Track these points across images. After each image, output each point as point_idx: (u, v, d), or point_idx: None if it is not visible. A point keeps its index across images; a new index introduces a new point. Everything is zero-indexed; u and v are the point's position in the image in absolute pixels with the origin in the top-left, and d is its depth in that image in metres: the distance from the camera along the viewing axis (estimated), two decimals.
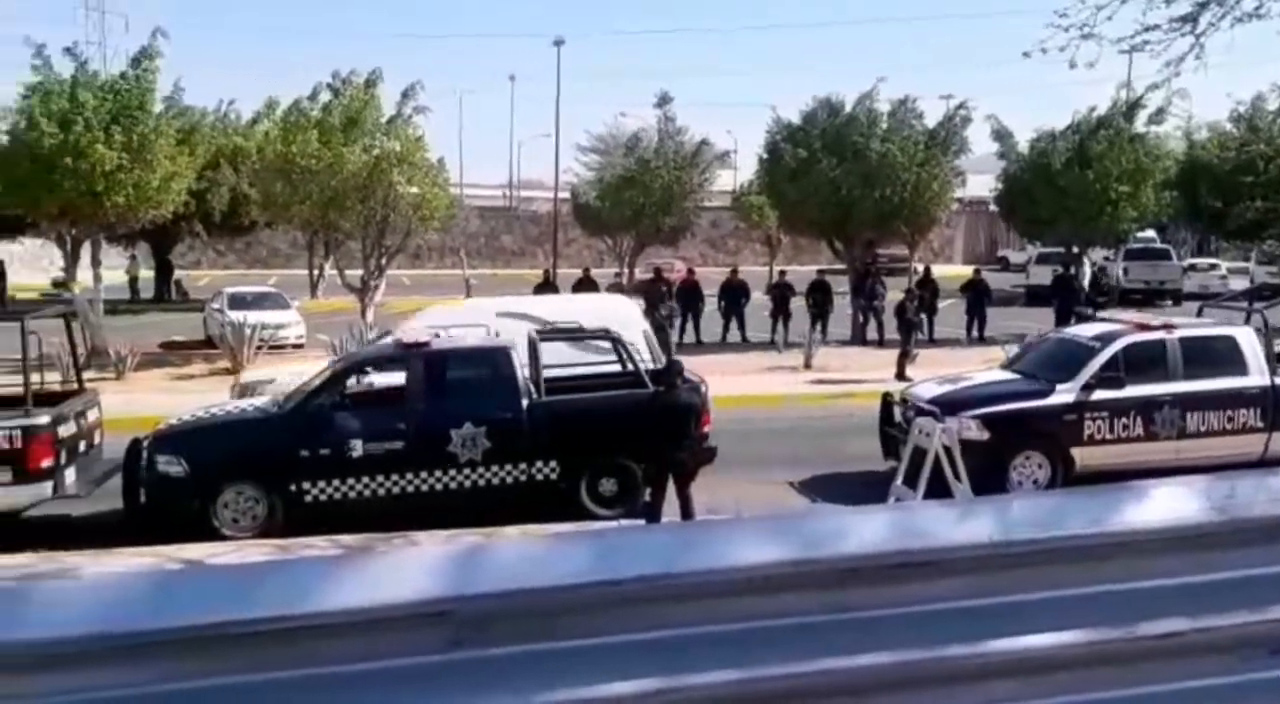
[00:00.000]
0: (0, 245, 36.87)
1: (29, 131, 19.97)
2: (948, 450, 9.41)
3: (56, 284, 31.14)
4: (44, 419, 10.07)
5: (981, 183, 35.09)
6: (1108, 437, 10.95)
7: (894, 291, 24.64)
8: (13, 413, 10.21)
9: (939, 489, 9.28)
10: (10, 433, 9.85)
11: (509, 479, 10.58)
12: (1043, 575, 2.47)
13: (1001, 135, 28.90)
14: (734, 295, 25.50)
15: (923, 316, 22.89)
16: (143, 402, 15.50)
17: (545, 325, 12.31)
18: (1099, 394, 11.00)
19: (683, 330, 24.18)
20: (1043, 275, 31.32)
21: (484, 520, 9.68)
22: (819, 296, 24.70)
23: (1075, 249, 28.96)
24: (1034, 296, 31.06)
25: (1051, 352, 12.42)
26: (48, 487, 10.06)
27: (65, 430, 10.32)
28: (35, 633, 2.05)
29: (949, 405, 11.02)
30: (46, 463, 9.96)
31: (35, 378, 10.90)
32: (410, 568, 2.18)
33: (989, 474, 10.10)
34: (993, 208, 40.26)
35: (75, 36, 45.28)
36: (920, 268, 27.57)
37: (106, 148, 19.73)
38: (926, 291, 24.23)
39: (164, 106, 21.80)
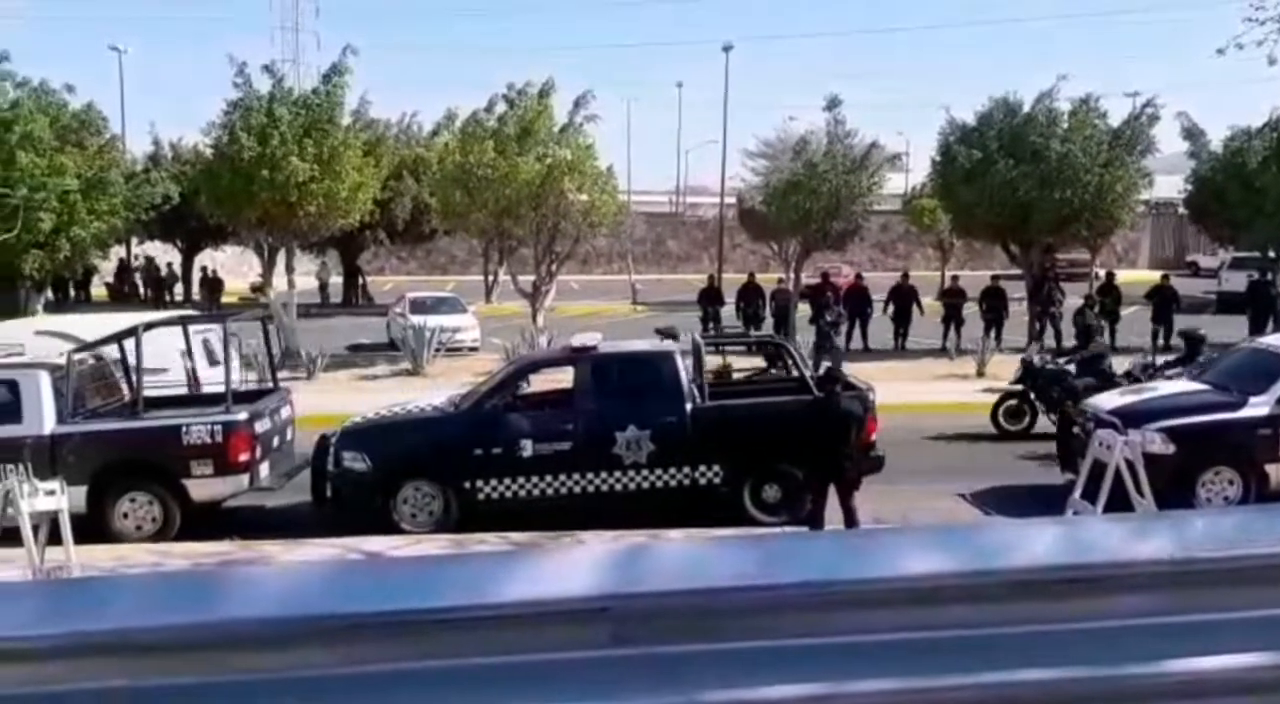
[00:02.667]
0: (205, 253, 39.49)
1: (230, 145, 21.34)
2: (1130, 464, 8.98)
3: (254, 289, 33.12)
4: (243, 416, 10.76)
5: (1170, 184, 33.31)
6: None
7: (1073, 297, 23.67)
8: (215, 410, 10.94)
9: (1120, 505, 8.87)
10: (212, 428, 10.56)
11: (672, 483, 10.68)
12: (1227, 595, 2.35)
13: (1192, 134, 27.38)
14: (903, 301, 25.01)
15: (1104, 324, 21.92)
16: (331, 400, 16.30)
17: (80, 344, 11.45)
18: None
19: (850, 336, 23.85)
20: (1236, 281, 29.54)
21: (649, 523, 9.80)
22: (993, 302, 23.95)
23: (1272, 254, 27.14)
24: (1226, 304, 29.32)
25: (1245, 362, 11.70)
26: (245, 479, 10.74)
27: (261, 426, 10.99)
28: (230, 614, 2.19)
29: (1132, 417, 10.53)
30: (244, 457, 10.63)
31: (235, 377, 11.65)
32: (573, 564, 2.26)
33: (1175, 490, 9.60)
34: (1182, 210, 38.19)
35: (271, 54, 48.07)
36: (1102, 273, 26.39)
37: (299, 160, 20.89)
38: (1108, 298, 23.20)
39: (352, 119, 22.92)
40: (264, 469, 10.94)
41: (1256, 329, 21.10)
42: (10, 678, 2.18)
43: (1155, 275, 28.07)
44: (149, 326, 11.27)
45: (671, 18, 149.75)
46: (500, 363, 17.14)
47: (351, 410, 12.83)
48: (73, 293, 38.62)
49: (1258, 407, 10.43)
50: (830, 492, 9.60)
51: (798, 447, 10.18)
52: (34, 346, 11.67)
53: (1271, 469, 10.28)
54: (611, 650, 2.15)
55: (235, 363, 12.66)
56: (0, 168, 17.54)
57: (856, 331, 24.35)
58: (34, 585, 4.71)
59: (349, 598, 2.22)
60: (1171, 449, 10.20)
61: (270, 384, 12.79)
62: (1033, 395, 14.60)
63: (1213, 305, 31.31)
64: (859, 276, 27.41)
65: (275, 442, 11.42)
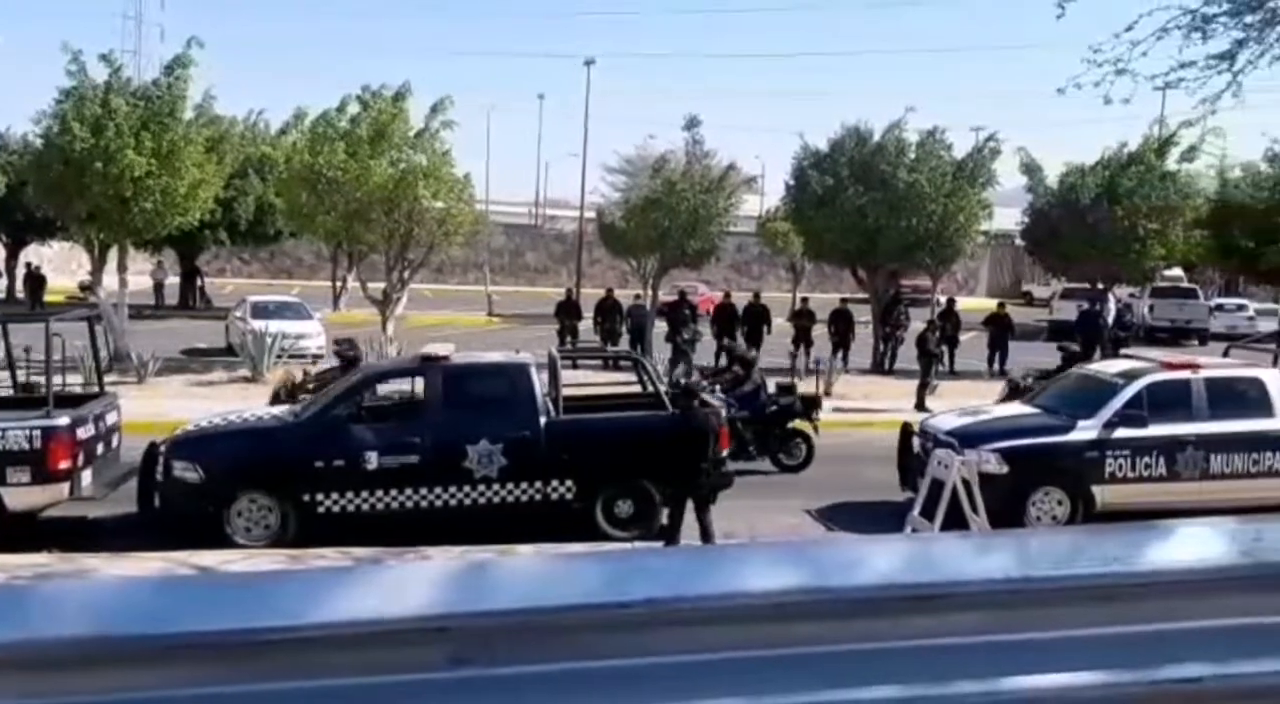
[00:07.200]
0: (31, 248, 37.29)
1: (62, 135, 20.20)
2: (966, 483, 9.33)
3: (83, 288, 31.46)
4: (64, 421, 10.15)
5: (1009, 216, 34.97)
6: (1129, 475, 10.84)
7: (916, 322, 24.56)
8: (34, 414, 10.29)
9: (956, 522, 9.20)
10: (30, 433, 9.93)
11: (524, 497, 10.56)
12: (1060, 614, 2.40)
13: (1030, 169, 28.81)
14: (755, 321, 25.48)
15: (944, 348, 22.80)
16: (162, 407, 15.59)
17: None
18: (1121, 432, 10.90)
19: (719, 354, 24.26)
20: (1067, 311, 31.20)
21: (499, 538, 9.66)
22: (840, 325, 24.64)
23: (1101, 285, 28.77)
24: (1057, 332, 30.90)
25: (1073, 387, 12.32)
26: (65, 488, 10.13)
27: (84, 432, 10.40)
28: (40, 633, 2.02)
29: (968, 438, 10.94)
30: (64, 464, 10.03)
31: (57, 380, 10.98)
32: (412, 582, 2.15)
33: (1007, 509, 10.00)
34: (1019, 242, 40.12)
35: (112, 44, 45.92)
36: (943, 299, 27.47)
37: (136, 154, 19.91)
38: (948, 323, 24.16)
39: (194, 114, 21.97)
40: (86, 477, 10.34)
41: (1085, 357, 22.25)
42: None
43: (992, 303, 29.38)
44: None
45: (535, 29, 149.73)
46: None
47: (184, 417, 12.31)
48: None
49: (1085, 430, 10.98)
50: (688, 507, 9.64)
51: (652, 461, 10.20)
52: None
53: (1097, 490, 10.82)
54: (450, 673, 2.05)
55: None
56: None
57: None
58: None
59: (167, 617, 2.06)
60: (1005, 469, 10.63)
61: (96, 388, 12.11)
62: None
63: (1044, 333, 32.96)
64: (728, 295, 27.79)
65: (99, 449, 10.81)
